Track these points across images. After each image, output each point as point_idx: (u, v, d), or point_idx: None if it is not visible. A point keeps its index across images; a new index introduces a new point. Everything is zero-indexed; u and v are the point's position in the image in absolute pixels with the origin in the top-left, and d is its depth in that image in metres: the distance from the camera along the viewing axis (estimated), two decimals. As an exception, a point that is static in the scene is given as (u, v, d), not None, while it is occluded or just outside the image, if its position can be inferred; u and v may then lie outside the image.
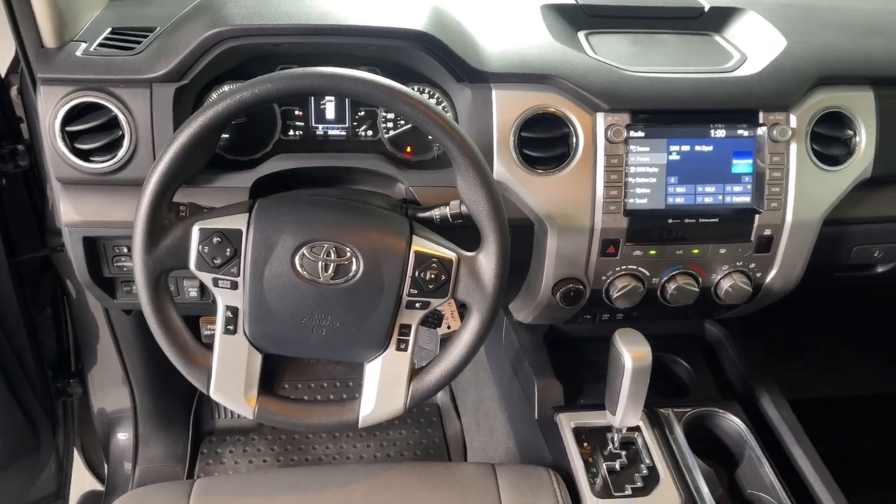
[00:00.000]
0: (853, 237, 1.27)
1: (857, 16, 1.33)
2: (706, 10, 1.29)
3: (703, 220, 1.15)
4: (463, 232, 0.99)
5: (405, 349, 0.96)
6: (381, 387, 0.97)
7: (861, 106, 1.18)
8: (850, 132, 1.18)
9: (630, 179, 1.12)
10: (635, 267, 1.17)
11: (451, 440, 1.77)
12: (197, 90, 1.10)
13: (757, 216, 1.15)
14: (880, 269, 1.33)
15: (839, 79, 1.17)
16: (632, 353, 1.07)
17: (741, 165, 1.15)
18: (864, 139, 1.18)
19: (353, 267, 0.92)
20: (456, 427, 1.77)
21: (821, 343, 1.89)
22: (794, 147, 1.15)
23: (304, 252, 0.91)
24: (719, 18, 1.30)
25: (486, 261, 0.94)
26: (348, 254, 0.91)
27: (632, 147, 1.12)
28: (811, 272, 1.23)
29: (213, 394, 0.96)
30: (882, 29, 1.28)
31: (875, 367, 1.96)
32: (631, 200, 1.13)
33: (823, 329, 1.88)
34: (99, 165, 1.05)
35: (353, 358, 0.98)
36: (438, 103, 1.16)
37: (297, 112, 1.16)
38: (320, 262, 0.91)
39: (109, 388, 1.67)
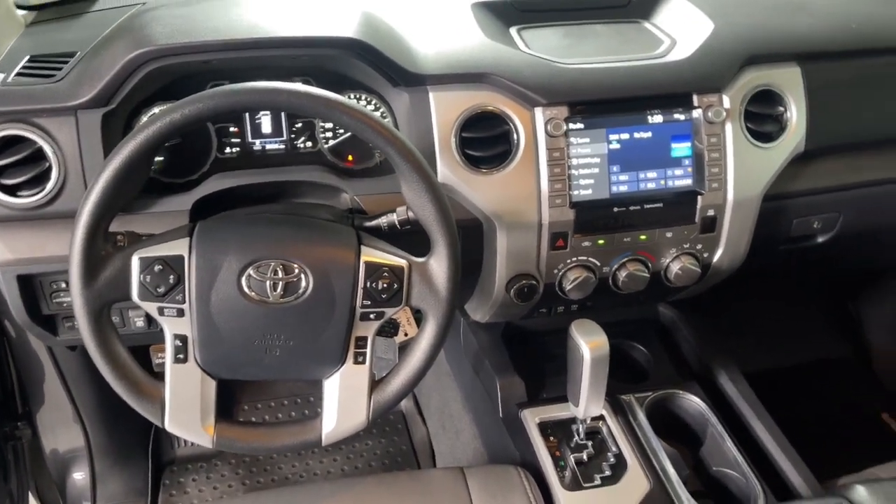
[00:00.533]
0: (792, 210, 1.30)
1: None
2: (634, -3, 1.31)
3: (648, 206, 1.16)
4: (412, 237, 0.98)
5: (363, 362, 0.94)
6: (342, 402, 0.95)
7: (789, 82, 1.20)
8: (782, 108, 1.20)
9: (573, 171, 1.13)
10: (585, 258, 1.17)
11: (419, 446, 1.76)
12: (125, 114, 1.06)
13: (699, 197, 1.17)
14: (820, 240, 1.37)
15: (767, 57, 1.20)
16: (589, 344, 1.07)
17: (680, 149, 1.17)
18: (795, 114, 1.20)
19: (303, 283, 0.90)
20: (422, 433, 1.76)
21: (766, 317, 1.94)
22: (729, 127, 1.17)
23: (251, 272, 0.88)
24: (647, 5, 1.31)
25: (438, 265, 0.93)
26: (296, 270, 0.89)
27: (572, 139, 1.12)
28: (756, 248, 1.25)
29: (169, 426, 0.93)
30: (804, 5, 1.32)
31: (815, 337, 2.02)
32: (576, 192, 1.13)
33: (767, 303, 1.93)
34: (27, 200, 1.00)
35: (311, 375, 0.96)
36: (376, 109, 1.14)
37: (232, 129, 1.13)
38: (268, 282, 0.89)
39: (60, 428, 1.61)
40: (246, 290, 0.89)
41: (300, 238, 0.92)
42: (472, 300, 1.33)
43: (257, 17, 1.09)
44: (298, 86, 0.87)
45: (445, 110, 1.09)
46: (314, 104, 0.86)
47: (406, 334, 1.47)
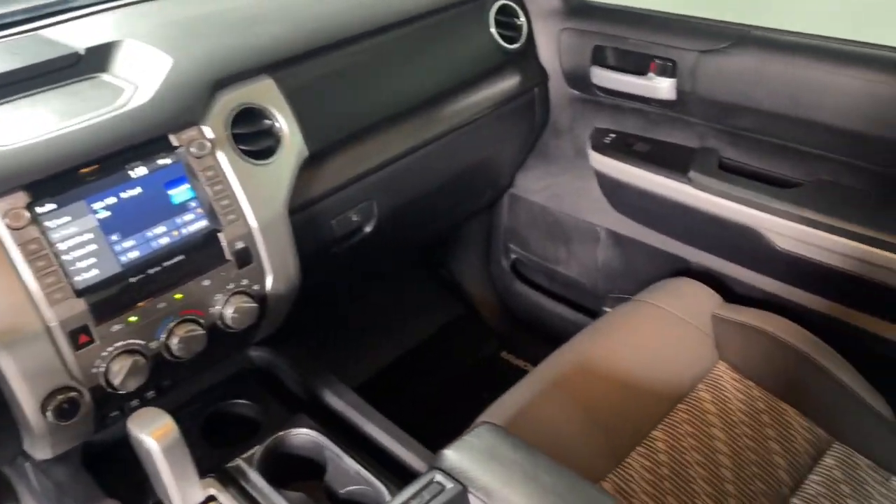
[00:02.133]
0: (326, 213, 1.30)
1: (237, 12, 1.34)
2: (82, 52, 1.18)
3: (169, 263, 1.06)
4: None
5: None
6: None
7: (267, 95, 1.19)
8: (269, 122, 1.19)
9: (65, 258, 0.98)
10: (123, 342, 1.03)
11: None
12: None
13: (221, 235, 1.10)
14: (368, 229, 1.40)
15: (234, 77, 1.17)
16: (153, 435, 0.95)
17: (180, 193, 1.08)
18: (286, 123, 1.19)
19: None
20: None
21: (376, 313, 1.98)
22: (222, 156, 1.11)
23: None
24: (100, 57, 1.20)
25: None
26: None
27: (47, 224, 0.97)
28: (307, 261, 1.23)
29: None
30: (261, 18, 1.31)
31: (428, 310, 2.13)
32: (78, 278, 0.99)
33: (372, 300, 1.98)
34: None
35: None
36: None
37: None
38: None
39: None
40: None
41: None
42: (24, 439, 1.10)
43: None
44: None
45: None
46: None
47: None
